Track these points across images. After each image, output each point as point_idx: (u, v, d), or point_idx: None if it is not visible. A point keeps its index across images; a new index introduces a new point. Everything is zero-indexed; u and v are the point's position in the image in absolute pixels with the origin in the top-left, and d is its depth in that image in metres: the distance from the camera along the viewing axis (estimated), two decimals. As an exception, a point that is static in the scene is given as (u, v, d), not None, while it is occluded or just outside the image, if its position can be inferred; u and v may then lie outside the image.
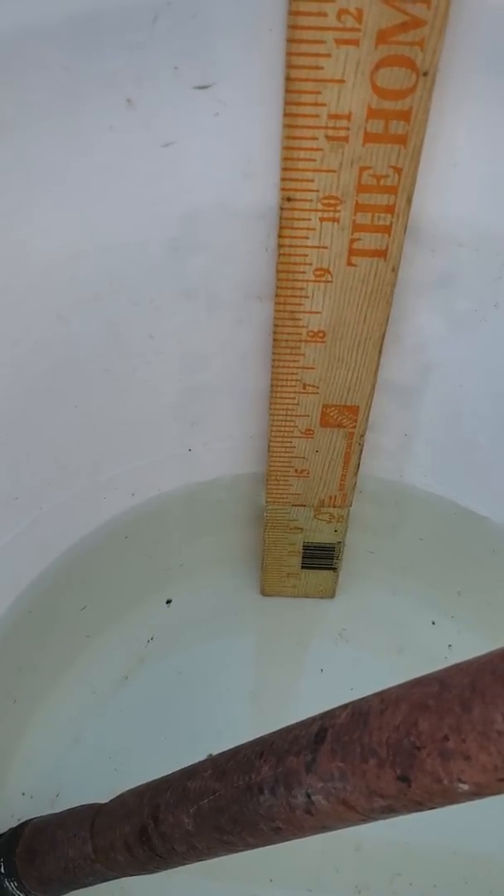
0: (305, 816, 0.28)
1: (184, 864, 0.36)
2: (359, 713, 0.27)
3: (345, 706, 0.28)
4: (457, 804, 0.25)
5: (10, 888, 0.44)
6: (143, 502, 0.56)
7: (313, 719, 0.29)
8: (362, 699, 0.28)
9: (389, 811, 0.26)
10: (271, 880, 0.52)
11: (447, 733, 0.23)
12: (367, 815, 0.27)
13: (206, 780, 0.33)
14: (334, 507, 0.53)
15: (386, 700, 0.26)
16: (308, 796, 0.28)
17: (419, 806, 0.26)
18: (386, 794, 0.26)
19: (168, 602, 0.62)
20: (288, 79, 0.32)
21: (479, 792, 0.24)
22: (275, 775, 0.29)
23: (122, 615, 0.61)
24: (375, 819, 0.28)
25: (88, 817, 0.40)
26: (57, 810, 0.44)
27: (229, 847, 0.33)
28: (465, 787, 0.24)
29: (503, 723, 0.22)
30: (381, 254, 0.38)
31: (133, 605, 0.61)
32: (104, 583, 0.59)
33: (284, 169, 0.35)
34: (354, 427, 0.47)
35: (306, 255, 0.38)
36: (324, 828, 0.29)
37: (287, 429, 0.48)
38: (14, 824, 0.46)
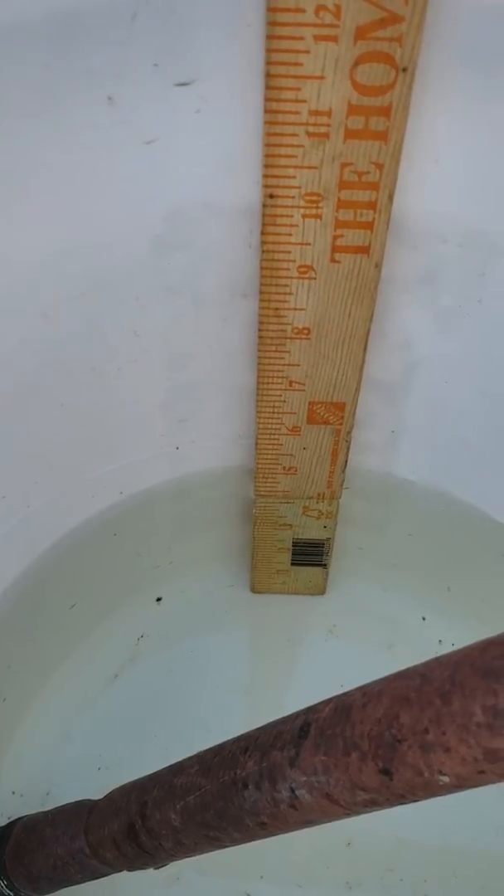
0: (290, 811, 0.29)
1: (172, 860, 0.36)
2: (342, 707, 0.27)
3: (328, 700, 0.28)
4: (439, 796, 0.25)
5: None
6: (131, 500, 0.56)
7: (297, 714, 0.29)
8: (345, 693, 0.28)
9: (372, 804, 0.27)
10: (262, 877, 0.52)
11: (427, 726, 0.23)
12: (351, 809, 0.27)
13: (193, 776, 0.33)
14: (323, 503, 0.53)
15: (368, 694, 0.26)
16: (292, 791, 0.28)
17: (402, 799, 0.26)
18: (368, 787, 0.26)
19: (158, 600, 0.62)
20: (268, 75, 0.32)
21: (459, 784, 0.24)
22: (259, 770, 0.29)
23: (111, 613, 0.61)
24: (359, 813, 0.28)
25: (78, 815, 0.40)
26: (47, 808, 0.44)
27: (215, 842, 0.33)
28: (446, 779, 0.24)
29: (482, 715, 0.22)
30: (364, 250, 0.38)
31: (123, 602, 0.61)
32: (93, 581, 0.59)
33: (266, 166, 0.35)
34: (341, 424, 0.47)
35: (290, 252, 0.38)
36: (308, 822, 0.29)
37: (274, 426, 0.48)
38: (4, 823, 0.46)
